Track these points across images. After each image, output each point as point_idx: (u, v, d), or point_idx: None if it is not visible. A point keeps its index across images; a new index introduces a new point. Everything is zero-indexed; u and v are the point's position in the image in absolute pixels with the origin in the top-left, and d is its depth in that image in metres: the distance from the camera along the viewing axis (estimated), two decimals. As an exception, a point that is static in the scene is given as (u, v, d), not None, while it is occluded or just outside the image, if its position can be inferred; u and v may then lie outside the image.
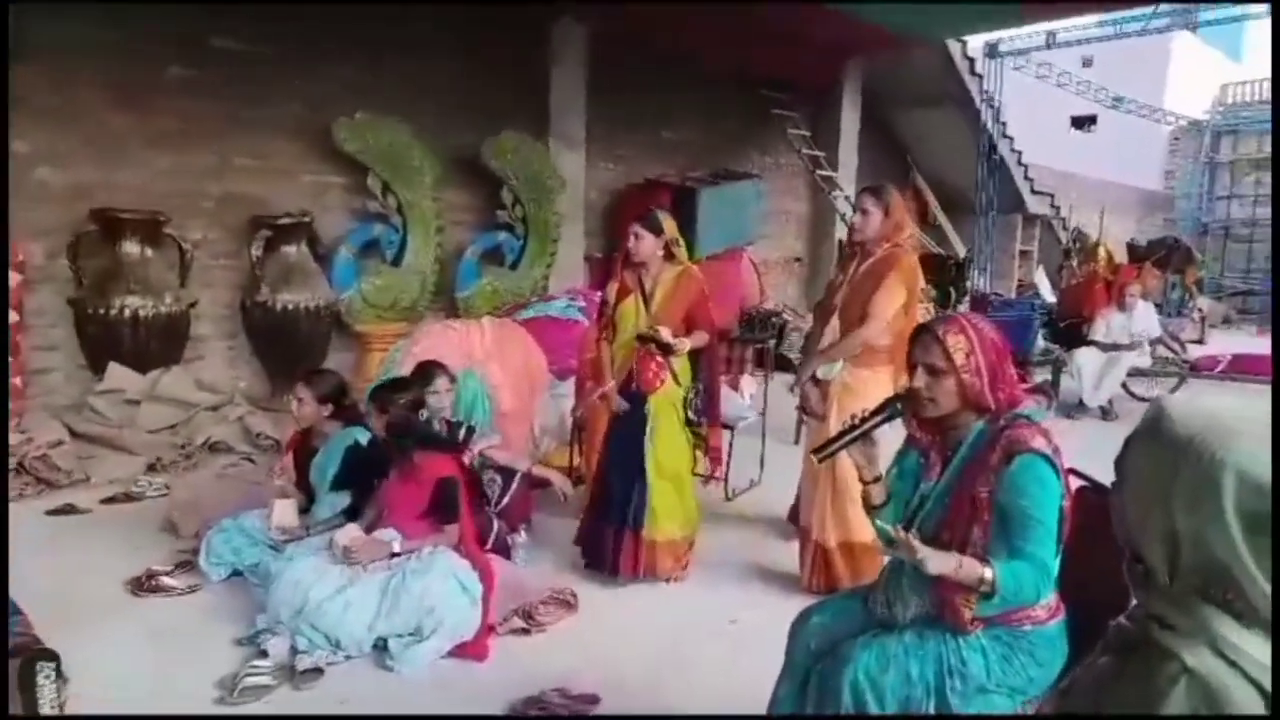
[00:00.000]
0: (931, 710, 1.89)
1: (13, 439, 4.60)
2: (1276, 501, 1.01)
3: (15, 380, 5.33)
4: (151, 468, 4.89)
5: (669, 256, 3.80)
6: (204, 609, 3.35)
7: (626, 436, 3.69)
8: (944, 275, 11.32)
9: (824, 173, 10.81)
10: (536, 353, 5.34)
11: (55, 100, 5.65)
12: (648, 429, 3.66)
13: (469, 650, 3.06)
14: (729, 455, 4.86)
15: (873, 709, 1.89)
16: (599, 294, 6.02)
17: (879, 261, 3.56)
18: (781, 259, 11.59)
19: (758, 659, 2.39)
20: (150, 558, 3.67)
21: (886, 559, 2.16)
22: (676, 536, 3.74)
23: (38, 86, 5.54)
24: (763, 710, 2.21)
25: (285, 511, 3.61)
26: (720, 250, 8.52)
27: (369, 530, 3.33)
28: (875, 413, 2.11)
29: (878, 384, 3.46)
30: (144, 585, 3.43)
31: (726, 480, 4.88)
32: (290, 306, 6.24)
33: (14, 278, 5.28)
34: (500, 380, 4.84)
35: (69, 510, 4.29)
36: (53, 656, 1.38)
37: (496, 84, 7.69)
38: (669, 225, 3.79)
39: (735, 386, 6.36)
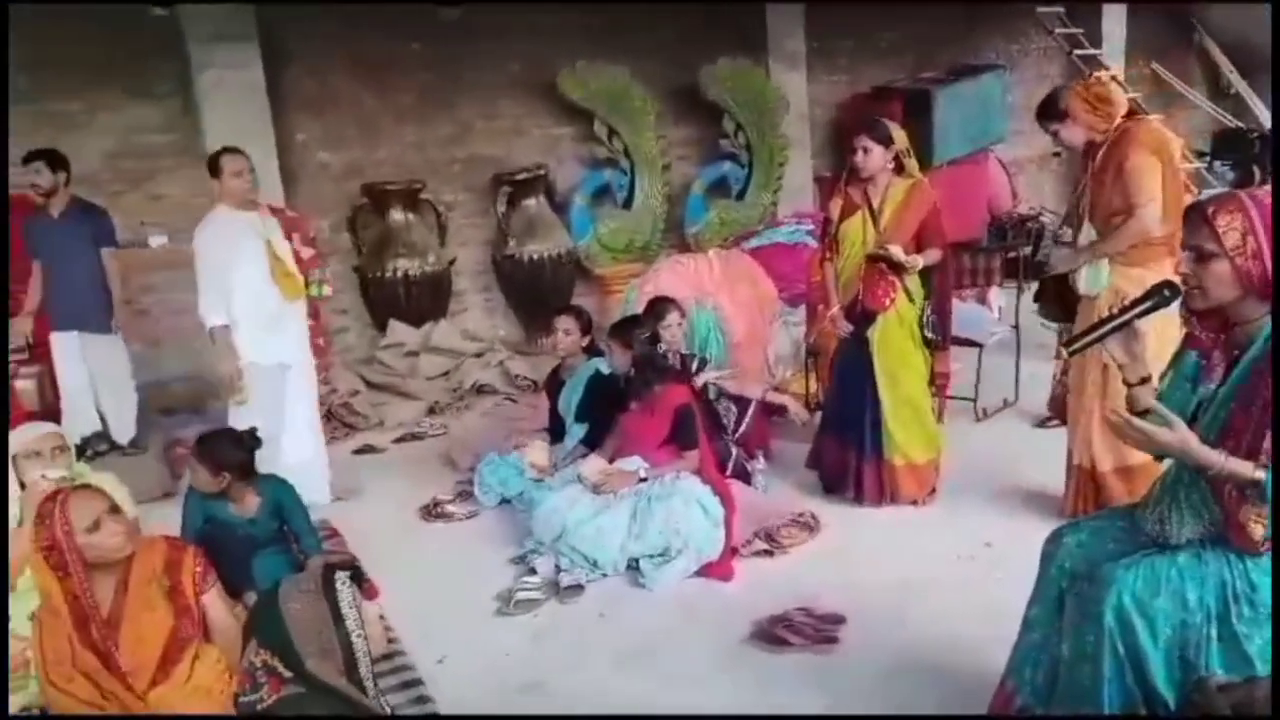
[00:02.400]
0: (1213, 636, 1.69)
1: (320, 390, 5.38)
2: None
3: (318, 340, 6.20)
4: (431, 410, 5.51)
5: (898, 169, 3.59)
6: (480, 532, 3.76)
7: (855, 359, 3.59)
8: (1243, 151, 9.64)
9: (1083, 52, 9.55)
10: (765, 281, 5.31)
11: (317, 91, 6.38)
12: (876, 350, 3.53)
13: (714, 571, 3.19)
14: (978, 373, 4.58)
15: (1141, 636, 1.73)
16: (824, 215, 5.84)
17: (1113, 145, 3.13)
18: (1036, 156, 10.46)
19: (1009, 583, 2.27)
20: (435, 488, 4.16)
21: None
22: (919, 460, 3.61)
23: (302, 81, 6.29)
24: (1013, 634, 2.11)
25: (536, 451, 3.94)
26: (963, 154, 7.87)
27: (611, 459, 3.55)
28: (1140, 300, 1.84)
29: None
30: (431, 512, 3.90)
31: (976, 400, 4.60)
32: (535, 257, 6.67)
33: (307, 251, 6.10)
34: (731, 311, 4.88)
35: (368, 450, 4.97)
36: (349, 566, 1.66)
37: (708, 12, 7.56)
38: (898, 135, 3.58)
39: (983, 300, 5.93)
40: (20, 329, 4.68)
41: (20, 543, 2.46)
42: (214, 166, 3.88)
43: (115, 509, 2.21)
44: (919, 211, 3.53)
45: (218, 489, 2.83)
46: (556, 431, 4.15)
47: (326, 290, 4.16)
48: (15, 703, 2.27)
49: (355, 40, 6.44)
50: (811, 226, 5.98)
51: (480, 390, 5.83)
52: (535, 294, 6.78)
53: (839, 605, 2.89)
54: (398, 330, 6.26)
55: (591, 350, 4.08)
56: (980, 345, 4.60)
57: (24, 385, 4.51)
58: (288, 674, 1.47)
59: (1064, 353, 3.03)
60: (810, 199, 8.06)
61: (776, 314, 5.20)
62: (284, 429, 3.86)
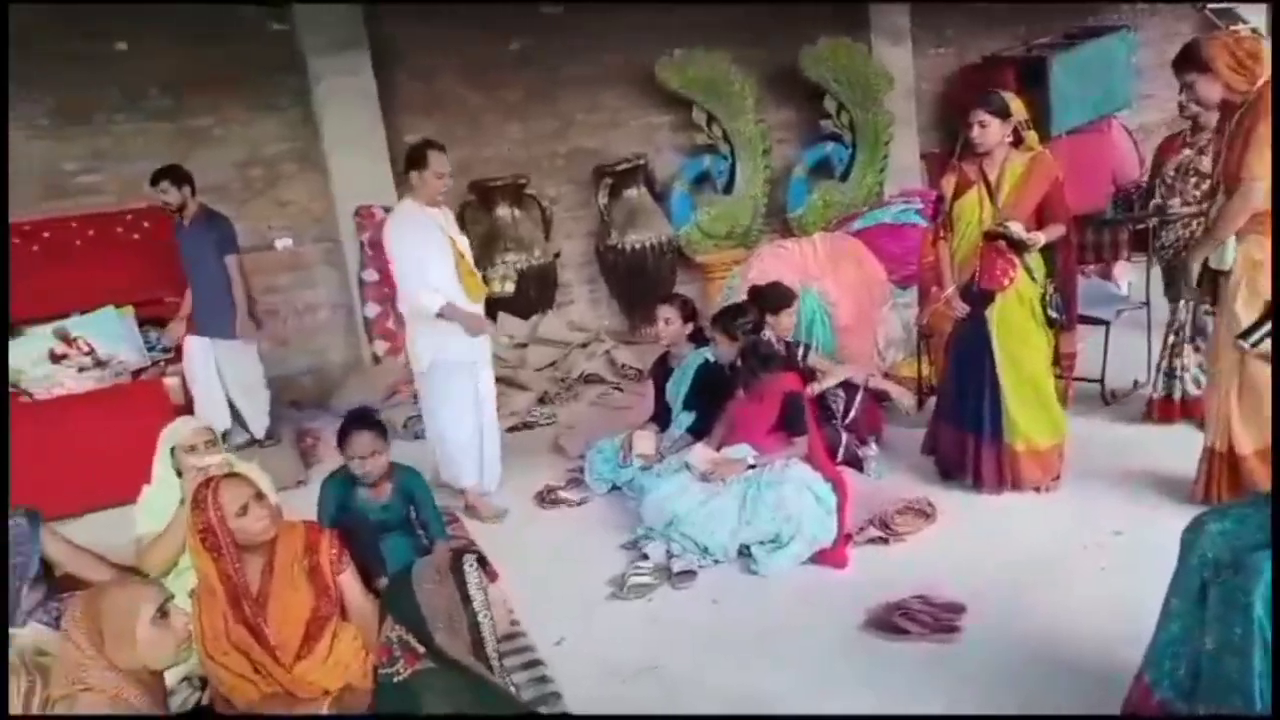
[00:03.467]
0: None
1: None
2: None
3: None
4: (541, 400, 5.65)
5: (1016, 142, 3.44)
6: (592, 518, 3.84)
7: (972, 340, 3.47)
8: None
9: (1217, 4, 8.88)
10: (873, 264, 5.19)
11: (425, 93, 6.60)
12: (996, 331, 3.40)
13: (828, 558, 3.16)
14: (1105, 353, 4.35)
15: (1295, 629, 1.62)
16: (936, 193, 5.65)
17: (1245, 112, 2.90)
18: (1166, 121, 9.81)
19: (1141, 573, 2.16)
20: (547, 475, 4.27)
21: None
22: (1042, 445, 3.46)
23: (410, 85, 6.52)
24: (1146, 626, 2.01)
25: (644, 440, 3.98)
26: (1084, 122, 7.46)
27: (718, 447, 3.56)
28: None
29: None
30: (545, 498, 4.01)
31: (1104, 382, 4.37)
32: (637, 246, 6.72)
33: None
34: (837, 295, 4.80)
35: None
36: (475, 552, 1.74)
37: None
38: (1015, 106, 3.43)
39: (1108, 275, 5.62)
40: (172, 333, 5.07)
41: (181, 525, 2.69)
42: (418, 160, 3.73)
43: (260, 495, 2.37)
44: (1040, 186, 3.37)
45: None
46: (663, 419, 4.19)
47: (510, 287, 4.22)
48: (179, 672, 2.47)
49: (460, 42, 6.63)
50: (920, 205, 5.80)
51: (587, 380, 5.94)
52: (638, 283, 6.84)
53: (958, 594, 2.82)
54: (508, 323, 6.43)
55: (697, 338, 4.10)
56: (1107, 323, 4.36)
57: (171, 383, 4.87)
58: (421, 649, 1.55)
59: (1242, 345, 2.87)
60: (918, 177, 7.82)
61: (885, 297, 5.08)
62: (484, 424, 3.96)
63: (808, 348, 4.10)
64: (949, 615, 2.69)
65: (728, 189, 7.12)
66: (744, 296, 4.36)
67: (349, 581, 2.52)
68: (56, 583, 2.97)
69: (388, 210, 6.20)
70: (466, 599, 1.59)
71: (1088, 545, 3.08)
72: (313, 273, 6.50)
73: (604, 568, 3.33)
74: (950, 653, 2.60)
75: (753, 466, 3.35)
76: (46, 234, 5.61)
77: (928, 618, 2.67)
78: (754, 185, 7.13)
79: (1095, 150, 7.59)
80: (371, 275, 6.23)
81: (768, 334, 3.79)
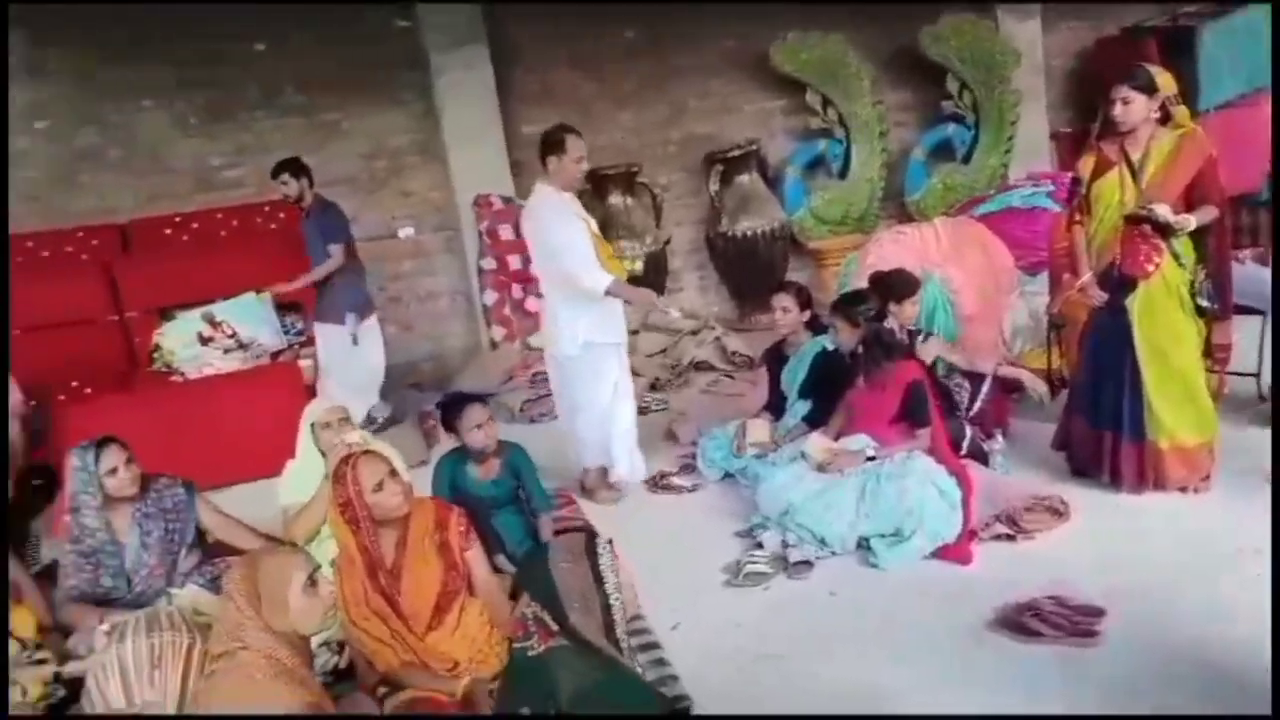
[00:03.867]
0: None
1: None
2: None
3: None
4: (652, 386, 5.69)
5: (1164, 119, 3.22)
6: (705, 505, 3.85)
7: (1111, 330, 3.28)
8: None
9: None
10: (999, 249, 4.96)
11: (540, 85, 6.72)
12: (1138, 321, 3.20)
13: (952, 553, 3.07)
14: (1261, 345, 4.03)
15: None
16: (1069, 175, 5.36)
17: None
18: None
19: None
20: (659, 461, 4.29)
21: None
22: (1189, 442, 3.25)
23: (526, 77, 6.66)
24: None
25: (758, 429, 3.95)
26: (1235, 96, 6.91)
27: (836, 437, 3.50)
28: None
29: None
30: (658, 484, 4.04)
31: (1260, 376, 4.05)
32: (749, 233, 6.67)
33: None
34: (961, 282, 4.62)
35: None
36: (591, 532, 1.77)
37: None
38: (1163, 80, 3.21)
39: (1265, 260, 5.19)
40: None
41: (324, 499, 2.88)
42: (555, 145, 3.70)
43: (395, 472, 2.49)
44: (1190, 165, 3.15)
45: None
46: (777, 408, 4.14)
47: (639, 265, 4.26)
48: (318, 637, 2.61)
49: (573, 34, 6.72)
50: (1051, 188, 5.51)
51: (698, 367, 5.93)
52: (749, 270, 6.79)
53: (1093, 597, 2.68)
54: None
55: (813, 326, 4.03)
56: (1263, 313, 4.04)
57: (306, 364, 5.14)
58: (555, 627, 1.59)
59: None
60: (1047, 159, 7.44)
61: (1013, 284, 4.86)
62: (627, 403, 4.00)
63: (928, 335, 3.97)
64: (1086, 619, 2.56)
65: (843, 173, 6.96)
66: (860, 283, 4.26)
67: (475, 558, 2.60)
68: (210, 548, 3.21)
69: (506, 200, 6.39)
70: (599, 580, 1.63)
71: (1241, 550, 2.87)
72: (433, 260, 6.74)
73: (718, 555, 3.33)
74: (1085, 659, 2.48)
75: (872, 458, 3.28)
76: (195, 225, 6.03)
77: (1062, 620, 2.55)
78: (870, 169, 6.95)
79: (1248, 126, 7.02)
80: (489, 263, 6.41)
81: (890, 323, 3.68)
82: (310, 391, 5.00)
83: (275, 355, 5.33)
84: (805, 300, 4.03)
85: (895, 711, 2.38)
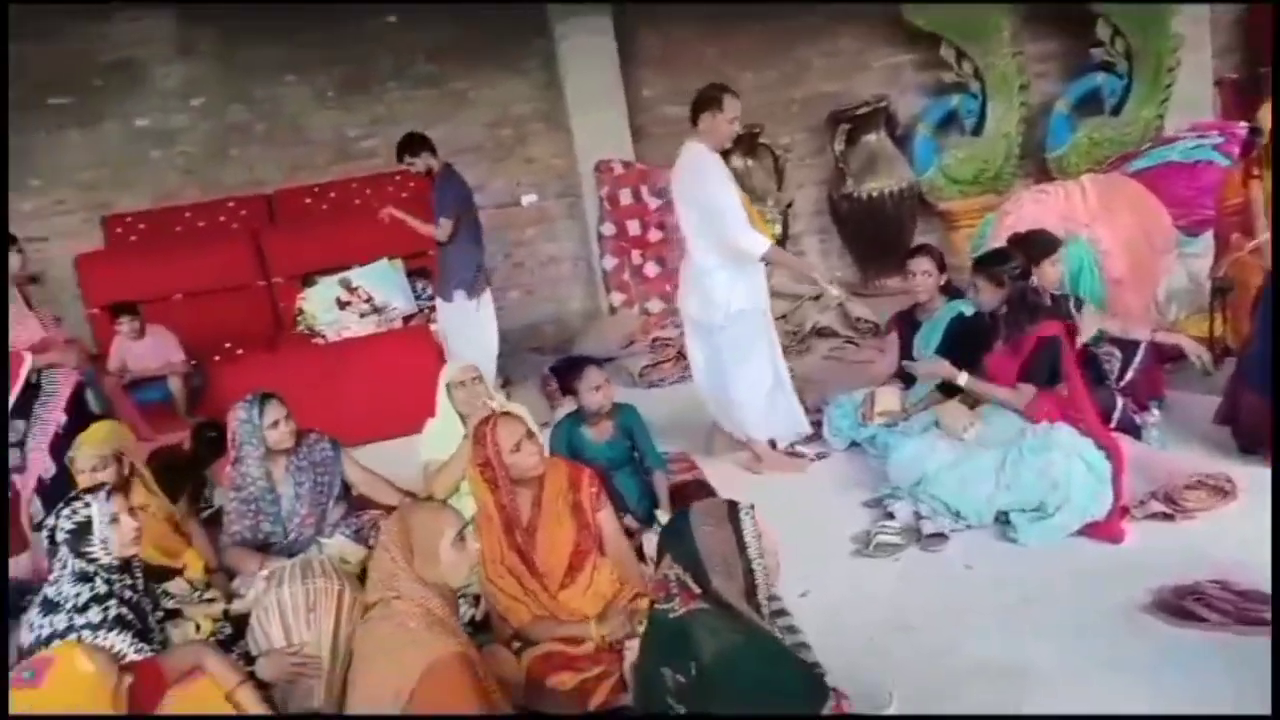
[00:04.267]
0: None
1: (670, 333, 5.68)
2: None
3: (666, 286, 6.57)
4: (778, 352, 5.61)
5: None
6: (831, 473, 3.77)
7: (1297, 294, 2.99)
8: None
9: None
10: (1155, 208, 4.60)
11: (662, 48, 6.67)
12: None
13: (1100, 531, 2.89)
14: None
15: None
16: (1240, 125, 4.90)
17: None
18: None
19: None
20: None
21: None
22: (1377, 420, 2.94)
23: (648, 41, 6.60)
24: None
25: (888, 398, 3.82)
26: None
27: (973, 405, 3.35)
28: None
29: None
30: (784, 453, 3.97)
31: None
32: (874, 194, 6.44)
33: (655, 201, 6.44)
34: (1110, 244, 4.32)
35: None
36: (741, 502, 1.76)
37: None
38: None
39: None
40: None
41: (463, 457, 3.01)
42: (711, 102, 3.55)
43: (531, 434, 2.55)
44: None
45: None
46: (908, 376, 4.00)
47: (778, 229, 4.16)
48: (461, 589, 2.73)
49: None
50: (1218, 139, 5.05)
51: (819, 333, 5.81)
52: (873, 233, 6.58)
53: (1259, 583, 2.47)
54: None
55: (948, 290, 3.86)
56: None
57: (437, 329, 5.32)
58: (697, 590, 1.59)
59: None
60: (1208, 109, 6.83)
61: (1169, 245, 4.50)
62: (782, 372, 3.89)
63: (1079, 302, 3.73)
64: (1256, 606, 2.37)
65: (977, 130, 6.62)
66: (997, 245, 4.04)
67: (606, 518, 2.65)
68: (354, 502, 3.40)
69: (626, 165, 6.40)
70: (742, 546, 1.62)
71: None
72: (555, 226, 6.84)
73: (845, 524, 3.26)
74: (1245, 647, 2.30)
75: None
76: (333, 194, 6.33)
77: (1228, 606, 2.37)
78: (1007, 124, 6.57)
79: None
80: (609, 229, 6.45)
81: (1034, 281, 3.48)
82: (441, 354, 5.20)
83: (407, 319, 5.55)
84: (942, 264, 3.85)
85: (1038, 692, 2.28)
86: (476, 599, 2.81)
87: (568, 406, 4.78)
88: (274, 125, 6.34)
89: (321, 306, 5.55)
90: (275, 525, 3.17)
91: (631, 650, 2.25)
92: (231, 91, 6.25)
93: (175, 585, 2.96)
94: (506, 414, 2.62)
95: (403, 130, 6.37)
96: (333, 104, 6.38)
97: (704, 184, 3.55)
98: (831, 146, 6.57)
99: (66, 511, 2.34)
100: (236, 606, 2.84)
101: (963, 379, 3.28)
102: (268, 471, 3.17)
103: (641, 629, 2.38)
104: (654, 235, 6.46)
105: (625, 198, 6.34)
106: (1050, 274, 3.71)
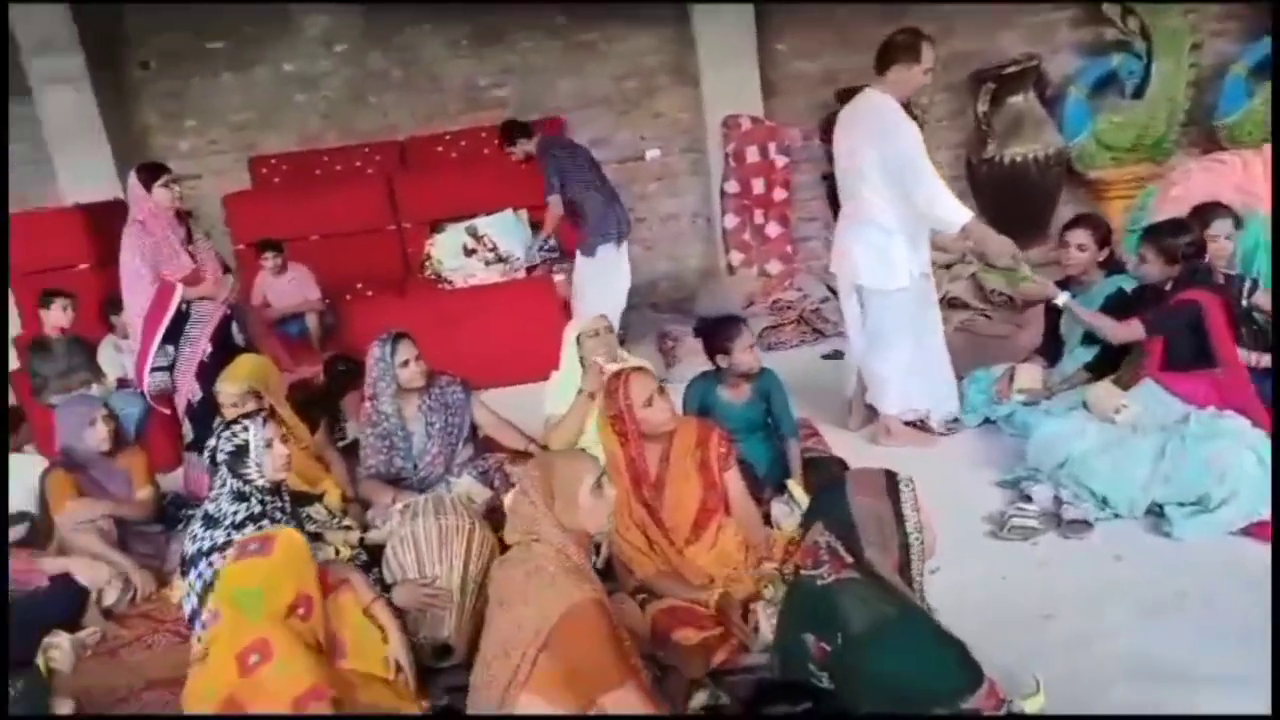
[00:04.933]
0: None
1: (791, 295, 5.57)
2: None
3: (786, 247, 6.42)
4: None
5: None
6: (962, 450, 3.61)
7: None
8: None
9: None
10: (1347, 183, 4.15)
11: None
12: None
13: (1268, 532, 2.67)
14: None
15: None
16: None
17: None
18: None
19: None
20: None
21: None
22: None
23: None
24: None
25: (1029, 374, 3.62)
26: None
27: (1127, 386, 3.13)
28: None
29: None
30: (914, 425, 3.82)
31: None
32: (1018, 159, 6.07)
33: (782, 160, 6.26)
34: (1293, 221, 3.93)
35: (836, 355, 5.03)
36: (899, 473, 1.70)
37: None
38: None
39: None
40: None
41: (580, 410, 3.04)
42: (907, 50, 3.28)
43: (663, 390, 2.53)
44: None
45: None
46: (1051, 352, 3.78)
47: None
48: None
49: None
50: None
51: (951, 304, 5.54)
52: (1014, 201, 6.21)
53: None
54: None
55: (1108, 265, 3.59)
56: None
57: (559, 280, 5.36)
58: (849, 559, 1.54)
59: None
60: None
61: (1362, 226, 4.06)
62: (940, 340, 3.72)
63: (1255, 284, 3.42)
64: None
65: (1138, 93, 6.13)
66: (1158, 219, 3.73)
67: (734, 479, 2.62)
68: (480, 444, 3.48)
69: (755, 121, 6.24)
70: (900, 519, 1.55)
71: None
72: (678, 182, 6.76)
73: (977, 503, 3.12)
74: None
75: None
76: (463, 142, 6.43)
77: None
78: (1173, 87, 6.06)
79: None
80: (733, 186, 6.33)
81: (1208, 258, 3.20)
82: (564, 306, 5.25)
83: (529, 270, 5.61)
84: (1104, 237, 3.57)
85: (1197, 696, 2.13)
86: (598, 547, 2.84)
87: (684, 364, 4.77)
88: (410, 73, 6.47)
89: (448, 253, 5.66)
90: (406, 461, 3.28)
91: (763, 616, 2.22)
92: (371, 39, 6.40)
93: (315, 511, 3.10)
94: (640, 369, 2.61)
95: (533, 80, 6.44)
96: (466, 53, 6.45)
97: (895, 140, 3.25)
98: (974, 107, 6.21)
99: (226, 434, 2.47)
100: (372, 536, 2.96)
101: (1062, 298, 3.26)
102: (400, 409, 3.28)
103: (768, 593, 2.38)
104: (779, 194, 6.30)
105: (752, 155, 6.20)
106: (1223, 249, 3.41)
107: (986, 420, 3.72)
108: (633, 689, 1.77)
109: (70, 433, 3.21)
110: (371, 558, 2.76)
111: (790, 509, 2.95)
